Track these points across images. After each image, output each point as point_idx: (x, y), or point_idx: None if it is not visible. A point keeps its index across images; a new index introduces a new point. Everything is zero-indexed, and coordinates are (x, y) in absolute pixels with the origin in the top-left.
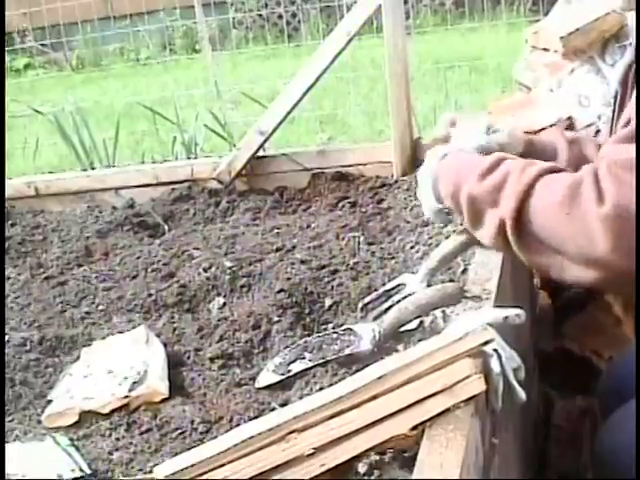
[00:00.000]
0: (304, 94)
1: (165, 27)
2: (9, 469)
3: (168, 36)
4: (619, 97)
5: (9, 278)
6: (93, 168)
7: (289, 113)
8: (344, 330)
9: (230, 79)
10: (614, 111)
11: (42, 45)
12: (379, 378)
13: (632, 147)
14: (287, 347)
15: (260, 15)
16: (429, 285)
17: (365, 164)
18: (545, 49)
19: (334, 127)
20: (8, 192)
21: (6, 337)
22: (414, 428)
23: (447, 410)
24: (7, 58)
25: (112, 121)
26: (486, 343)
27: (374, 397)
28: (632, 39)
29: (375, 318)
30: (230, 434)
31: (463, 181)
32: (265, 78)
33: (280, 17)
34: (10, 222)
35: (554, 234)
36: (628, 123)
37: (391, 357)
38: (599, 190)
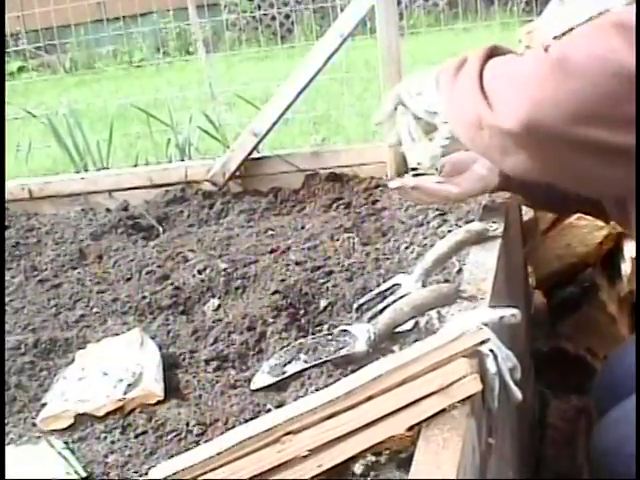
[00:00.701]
0: (298, 95)
1: (158, 29)
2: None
3: (161, 38)
4: None
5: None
6: (87, 170)
7: (283, 114)
8: (339, 331)
9: (224, 81)
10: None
11: (36, 48)
12: (375, 379)
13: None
14: (282, 348)
15: (253, 17)
16: (424, 286)
17: (359, 165)
18: None
19: (328, 128)
20: None
21: None
22: (410, 429)
23: (443, 410)
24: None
25: (106, 123)
26: (482, 343)
27: (370, 398)
28: None
29: (370, 319)
30: (225, 436)
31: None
32: (259, 80)
33: (273, 19)
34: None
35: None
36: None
37: (387, 358)
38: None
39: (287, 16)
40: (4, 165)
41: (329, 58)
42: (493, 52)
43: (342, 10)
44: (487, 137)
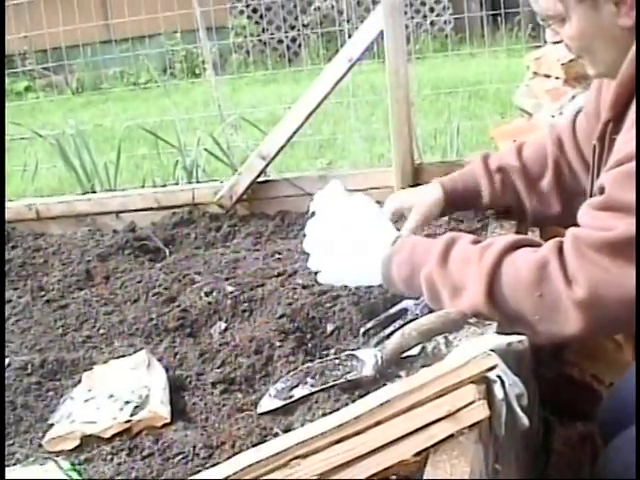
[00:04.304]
0: (306, 119)
1: (165, 51)
2: None
3: (168, 60)
4: (597, 153)
5: (10, 301)
6: (94, 191)
7: (290, 138)
8: (346, 356)
9: (230, 103)
10: (592, 166)
11: (43, 68)
12: (383, 404)
13: (606, 216)
14: (289, 372)
15: (260, 40)
16: (431, 311)
17: (366, 189)
18: (547, 75)
19: (334, 152)
20: (9, 215)
21: (7, 360)
22: (418, 454)
23: (451, 436)
24: (7, 80)
25: (112, 144)
26: (490, 369)
27: (378, 423)
28: None
29: (377, 344)
30: (233, 460)
31: (419, 265)
32: (265, 102)
33: (280, 42)
34: (11, 244)
35: (526, 315)
36: (603, 191)
37: (395, 383)
38: (565, 270)
39: (294, 39)
40: (4, 170)
41: (337, 82)
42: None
43: (349, 34)
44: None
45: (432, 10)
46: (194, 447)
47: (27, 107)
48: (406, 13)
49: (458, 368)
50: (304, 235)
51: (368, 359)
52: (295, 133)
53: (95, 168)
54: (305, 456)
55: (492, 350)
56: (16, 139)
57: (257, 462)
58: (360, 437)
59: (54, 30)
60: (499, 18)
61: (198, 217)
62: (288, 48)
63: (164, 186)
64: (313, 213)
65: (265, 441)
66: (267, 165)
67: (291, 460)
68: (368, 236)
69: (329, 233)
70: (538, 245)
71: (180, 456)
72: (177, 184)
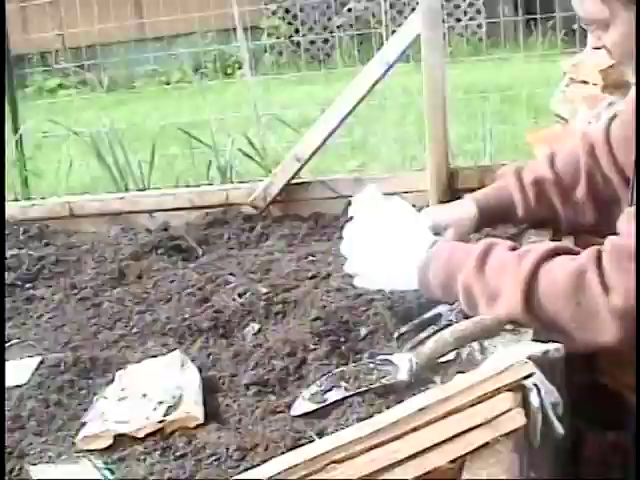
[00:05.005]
0: (341, 121)
1: (198, 50)
2: None
3: (200, 59)
4: None
5: (43, 298)
6: (127, 190)
7: (326, 140)
8: (381, 360)
9: (261, 104)
10: (637, 177)
11: (77, 66)
12: (420, 410)
13: None
14: (323, 376)
15: (292, 41)
16: (466, 317)
17: (401, 192)
18: (584, 81)
19: (365, 154)
20: (43, 212)
21: (40, 357)
22: (453, 461)
23: (487, 444)
24: (39, 77)
25: (143, 143)
26: (527, 377)
27: (415, 429)
28: None
29: (411, 348)
30: (269, 464)
31: (456, 271)
32: (297, 103)
33: (312, 43)
34: (44, 242)
35: (563, 323)
36: None
37: (432, 389)
38: (604, 278)
39: (326, 40)
40: (4, 170)
41: (374, 85)
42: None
43: (382, 36)
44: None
45: (465, 13)
46: (227, 449)
47: (59, 105)
48: None
49: (495, 375)
50: (341, 238)
51: (403, 364)
52: (330, 135)
53: (129, 166)
54: (342, 461)
55: (528, 358)
56: (49, 136)
57: (294, 466)
58: (397, 443)
59: (88, 28)
60: (532, 22)
61: (232, 218)
62: (320, 49)
63: (198, 186)
64: (351, 217)
65: (299, 444)
66: (302, 167)
67: (327, 464)
68: (405, 240)
69: (366, 237)
70: (576, 253)
71: (213, 457)
72: (211, 184)
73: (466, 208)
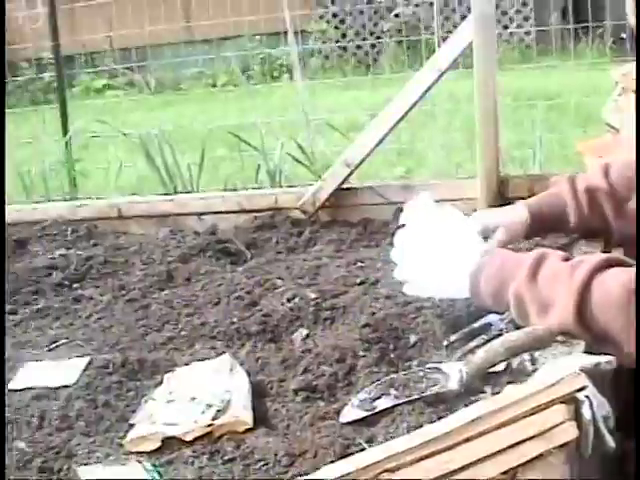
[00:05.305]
0: (392, 127)
1: (245, 54)
2: None
3: (247, 62)
4: None
5: (92, 298)
6: (176, 192)
7: (376, 146)
8: (431, 368)
9: (308, 108)
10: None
11: (126, 68)
12: (473, 420)
13: None
14: (372, 383)
15: (339, 45)
16: (517, 327)
17: (450, 200)
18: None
19: (411, 160)
20: (91, 212)
21: (88, 358)
22: (505, 472)
23: (541, 455)
24: (87, 78)
25: (190, 145)
26: (580, 390)
27: (467, 439)
28: None
29: (460, 357)
30: (320, 472)
31: (508, 279)
32: (343, 108)
33: (359, 47)
34: (92, 242)
35: (615, 335)
36: None
37: (484, 400)
38: None
39: (373, 45)
40: (4, 170)
41: (426, 92)
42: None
43: (428, 42)
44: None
45: (512, 20)
46: (276, 454)
47: (106, 105)
48: None
49: (548, 387)
50: (390, 245)
51: (453, 373)
52: (381, 141)
53: (178, 168)
54: (394, 470)
55: (580, 370)
56: (96, 137)
57: (346, 474)
58: (449, 453)
59: (136, 30)
60: (580, 30)
61: (280, 222)
62: (367, 54)
63: (246, 189)
64: (402, 224)
65: (348, 451)
66: (351, 172)
67: (380, 473)
68: (457, 248)
69: (418, 244)
70: (629, 265)
71: (262, 462)
72: (260, 188)
73: (518, 212)
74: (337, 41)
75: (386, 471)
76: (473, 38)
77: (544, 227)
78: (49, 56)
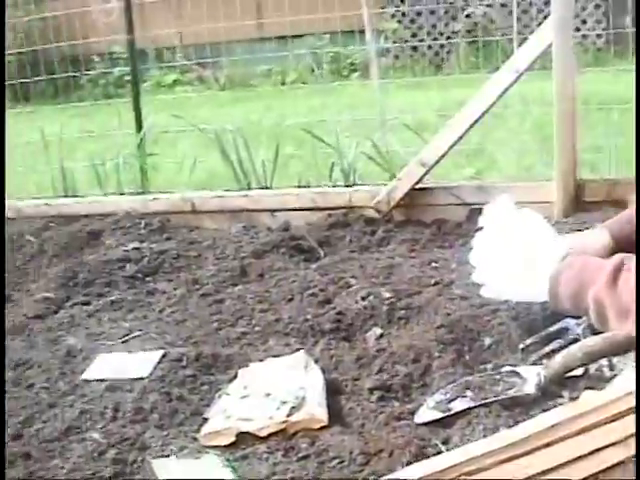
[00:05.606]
0: (469, 128)
1: (314, 52)
2: None
3: (316, 60)
4: None
5: (165, 292)
6: (250, 188)
7: (452, 146)
8: (507, 372)
9: (378, 107)
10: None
11: (196, 64)
12: (553, 426)
13: None
14: (448, 384)
15: (409, 45)
16: (594, 332)
17: (526, 203)
18: None
19: (481, 162)
20: (165, 206)
21: (163, 351)
22: (585, 478)
23: (621, 462)
24: (157, 73)
25: (260, 141)
26: None
27: (548, 445)
28: None
29: (536, 361)
30: (399, 473)
31: (588, 284)
32: (412, 108)
33: (429, 47)
34: (165, 236)
35: None
36: None
37: (564, 405)
38: None
39: (443, 45)
40: (4, 170)
41: (503, 93)
42: None
43: (498, 44)
44: None
45: (584, 22)
46: (351, 452)
47: (176, 100)
48: None
49: (629, 394)
50: (464, 246)
51: (531, 377)
52: (457, 142)
53: (253, 165)
54: (473, 473)
55: None
56: (166, 132)
57: (425, 476)
58: (528, 458)
59: (207, 26)
60: None
61: (354, 220)
62: (436, 54)
63: (319, 187)
64: (481, 227)
65: (423, 452)
66: (427, 172)
67: (458, 477)
68: (537, 252)
69: (497, 247)
70: None
71: (336, 460)
72: (334, 186)
73: (600, 237)
74: (407, 41)
75: (465, 474)
76: (552, 40)
77: (627, 250)
78: (120, 50)
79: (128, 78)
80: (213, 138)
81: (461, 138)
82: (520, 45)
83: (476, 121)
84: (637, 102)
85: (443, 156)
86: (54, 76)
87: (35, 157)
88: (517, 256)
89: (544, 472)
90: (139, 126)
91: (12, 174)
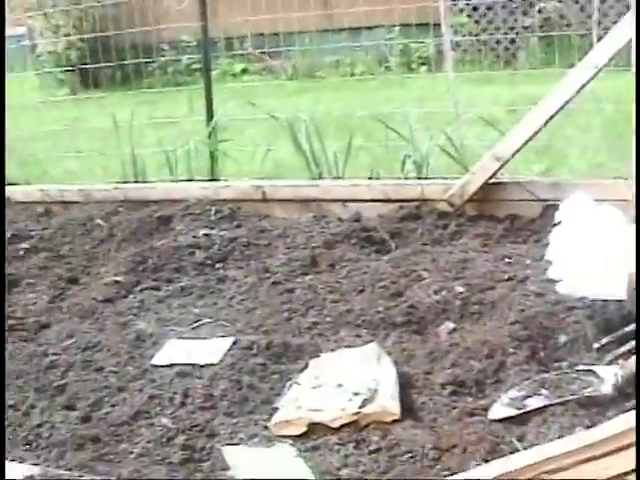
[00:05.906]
0: (545, 123)
1: (383, 44)
2: (238, 473)
3: (384, 53)
4: None
5: (235, 279)
6: (321, 178)
7: (528, 141)
8: (584, 371)
9: (446, 101)
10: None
11: (261, 53)
12: (632, 428)
13: None
14: (522, 381)
15: (478, 39)
16: None
17: (600, 200)
18: None
19: (550, 158)
20: (235, 194)
21: (233, 339)
22: None
23: None
24: (225, 62)
25: (328, 132)
26: None
27: (627, 446)
28: None
29: (611, 361)
30: (476, 471)
31: None
32: (480, 102)
33: (498, 42)
34: (235, 223)
35: None
36: None
37: None
38: None
39: (512, 41)
40: (4, 168)
41: (581, 88)
42: None
43: (570, 39)
44: None
45: None
46: (423, 447)
47: (244, 89)
48: None
49: None
50: (537, 242)
51: (608, 377)
52: (533, 137)
53: (325, 155)
54: (554, 471)
55: None
56: (236, 120)
57: (504, 473)
58: (607, 459)
59: (275, 16)
60: None
61: (426, 213)
62: (506, 49)
63: (395, 179)
64: (559, 222)
65: (497, 449)
66: (501, 167)
67: (538, 475)
68: (616, 250)
69: (575, 244)
70: None
71: (408, 455)
72: (405, 178)
73: None
74: (477, 34)
75: (545, 472)
76: (633, 36)
77: None
78: (188, 39)
79: (196, 66)
80: (285, 127)
81: (537, 133)
82: (599, 40)
83: (552, 116)
84: (637, 102)
85: (518, 151)
86: (125, 62)
87: (103, 142)
88: (596, 253)
89: (625, 474)
90: (210, 114)
91: (78, 158)
